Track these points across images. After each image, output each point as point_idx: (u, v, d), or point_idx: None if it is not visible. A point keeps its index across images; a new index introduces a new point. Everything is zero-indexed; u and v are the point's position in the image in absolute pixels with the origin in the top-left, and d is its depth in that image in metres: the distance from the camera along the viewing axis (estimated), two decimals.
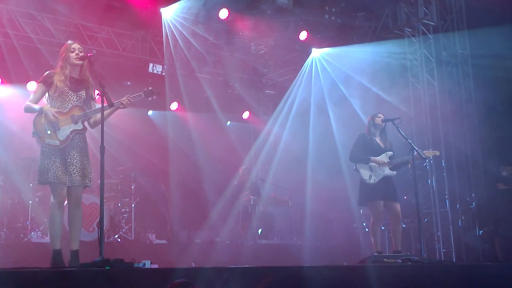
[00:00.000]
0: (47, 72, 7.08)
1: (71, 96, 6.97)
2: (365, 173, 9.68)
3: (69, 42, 7.18)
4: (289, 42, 15.76)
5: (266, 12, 13.75)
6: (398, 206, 9.69)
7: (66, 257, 6.84)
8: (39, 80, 7.08)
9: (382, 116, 9.91)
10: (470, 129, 13.30)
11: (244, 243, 12.80)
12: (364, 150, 9.78)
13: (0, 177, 10.92)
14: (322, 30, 14.64)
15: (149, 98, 7.32)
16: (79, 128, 6.94)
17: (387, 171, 9.66)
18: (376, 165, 9.65)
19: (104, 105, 6.68)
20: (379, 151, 9.76)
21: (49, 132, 6.82)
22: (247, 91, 17.04)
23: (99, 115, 6.86)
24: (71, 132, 6.88)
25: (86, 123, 7.12)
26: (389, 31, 13.98)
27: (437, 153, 10.16)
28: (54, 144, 6.83)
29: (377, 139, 9.88)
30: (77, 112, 6.95)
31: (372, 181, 9.61)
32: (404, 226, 11.76)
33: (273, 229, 13.89)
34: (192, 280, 5.22)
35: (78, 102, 7.00)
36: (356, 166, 9.82)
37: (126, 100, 7.06)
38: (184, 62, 14.93)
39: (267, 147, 17.32)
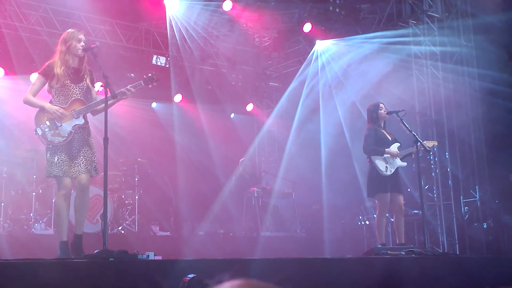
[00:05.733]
0: (47, 63, 6.97)
1: (73, 88, 6.90)
2: (381, 165, 9.55)
3: (73, 31, 7.03)
4: (293, 34, 15.75)
5: (270, 4, 13.75)
6: (401, 199, 9.65)
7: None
8: (39, 71, 7.00)
9: (384, 107, 9.86)
10: (474, 121, 13.28)
11: (248, 235, 12.80)
12: (376, 143, 9.72)
13: (3, 169, 10.91)
14: (326, 22, 14.62)
15: (149, 85, 7.24)
16: (81, 123, 6.89)
17: (399, 162, 9.62)
18: (390, 156, 9.60)
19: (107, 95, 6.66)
20: (389, 143, 9.70)
21: (51, 129, 6.80)
22: (251, 83, 17.05)
23: (101, 106, 6.87)
24: (73, 128, 6.83)
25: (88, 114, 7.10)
26: (393, 23, 13.90)
27: (435, 143, 10.18)
28: (57, 141, 6.79)
29: (384, 131, 9.84)
30: (77, 107, 6.88)
31: (388, 172, 9.51)
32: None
33: (278, 221, 13.89)
34: (196, 272, 5.22)
35: (80, 94, 6.94)
36: (370, 158, 9.74)
37: (128, 90, 7.03)
38: (187, 54, 14.91)
39: (270, 139, 17.35)
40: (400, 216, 9.63)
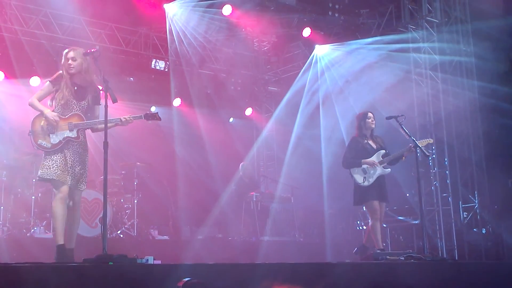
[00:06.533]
0: (59, 73, 7.17)
1: (74, 105, 7.10)
2: (358, 178, 9.75)
3: (64, 52, 7.26)
4: (292, 39, 15.75)
5: (270, 9, 13.75)
6: (384, 206, 9.85)
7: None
8: (50, 79, 7.16)
9: (372, 117, 9.93)
10: (473, 126, 13.26)
11: (247, 240, 12.79)
12: (356, 154, 9.80)
13: (3, 172, 10.92)
14: (325, 26, 14.64)
15: (149, 121, 7.46)
16: (73, 136, 7.06)
17: (380, 170, 9.71)
18: (368, 166, 9.68)
19: (108, 100, 6.74)
20: (371, 153, 9.80)
21: (43, 134, 6.99)
22: (249, 88, 17.04)
23: (100, 126, 7.03)
24: (63, 138, 7.01)
25: (89, 130, 7.29)
26: (392, 28, 13.90)
27: (430, 141, 10.35)
28: (45, 146, 7.00)
29: (369, 141, 9.92)
30: (75, 121, 7.08)
31: (366, 183, 9.68)
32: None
33: (276, 226, 13.88)
34: (195, 276, 5.23)
35: (80, 111, 7.11)
36: (350, 171, 9.85)
37: (127, 118, 7.23)
38: (187, 58, 14.90)
39: (269, 143, 17.34)
40: (379, 223, 9.75)
